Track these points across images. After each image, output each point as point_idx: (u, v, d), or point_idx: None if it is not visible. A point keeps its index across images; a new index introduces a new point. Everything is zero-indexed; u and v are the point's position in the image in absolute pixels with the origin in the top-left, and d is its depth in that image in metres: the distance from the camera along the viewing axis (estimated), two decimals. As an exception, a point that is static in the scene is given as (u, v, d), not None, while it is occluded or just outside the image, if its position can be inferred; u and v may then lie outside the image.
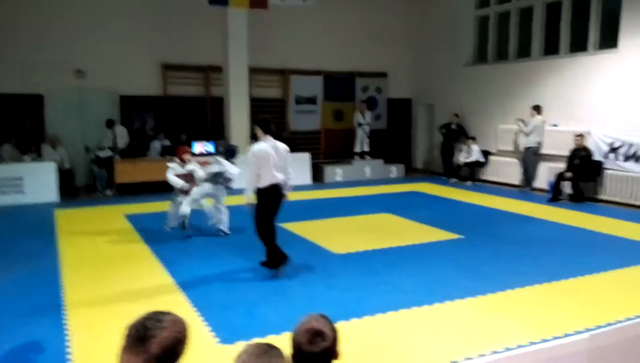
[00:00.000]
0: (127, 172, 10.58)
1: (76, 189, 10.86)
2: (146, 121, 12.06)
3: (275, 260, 5.77)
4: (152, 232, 7.59)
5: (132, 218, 8.48)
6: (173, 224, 7.61)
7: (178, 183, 7.44)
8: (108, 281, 5.51)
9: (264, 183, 5.64)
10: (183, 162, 7.63)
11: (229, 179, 7.35)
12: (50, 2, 10.90)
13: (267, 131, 5.77)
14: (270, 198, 5.69)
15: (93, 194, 10.71)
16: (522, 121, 11.32)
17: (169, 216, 7.70)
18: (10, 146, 10.46)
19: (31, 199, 9.68)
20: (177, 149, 8.04)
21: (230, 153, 7.58)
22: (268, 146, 5.71)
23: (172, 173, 7.53)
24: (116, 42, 11.46)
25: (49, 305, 4.82)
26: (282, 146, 5.89)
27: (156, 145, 11.51)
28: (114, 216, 8.70)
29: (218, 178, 7.30)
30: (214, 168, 7.35)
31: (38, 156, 10.54)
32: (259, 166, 5.62)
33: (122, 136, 11.18)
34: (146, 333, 1.42)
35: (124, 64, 11.54)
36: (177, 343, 1.47)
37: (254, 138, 5.99)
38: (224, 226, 7.46)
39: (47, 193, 9.82)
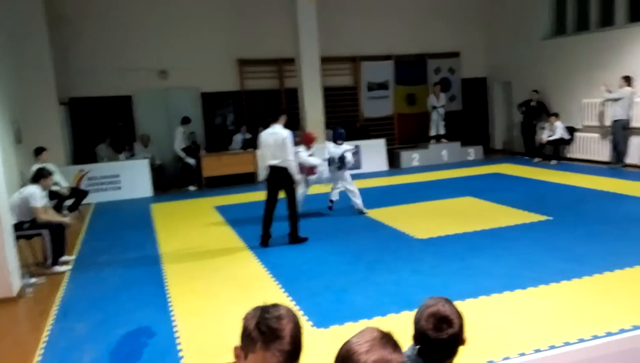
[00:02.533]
0: (212, 166, 11.10)
1: (167, 184, 11.55)
2: (226, 116, 12.56)
3: (262, 235, 6.62)
4: (241, 221, 7.93)
5: (222, 209, 8.92)
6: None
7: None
8: (205, 269, 5.86)
9: (265, 164, 6.59)
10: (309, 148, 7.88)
11: (342, 160, 7.74)
12: (132, 10, 11.54)
13: (274, 120, 6.49)
14: (268, 179, 6.60)
15: (182, 188, 11.34)
16: (606, 87, 10.68)
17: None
18: (105, 146, 11.28)
19: (128, 195, 10.44)
20: (303, 137, 8.20)
21: (338, 136, 7.95)
22: (267, 133, 6.48)
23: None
24: (194, 42, 11.95)
25: (154, 292, 5.20)
26: (280, 133, 6.40)
27: (238, 138, 11.96)
28: (204, 208, 9.18)
29: (332, 163, 7.72)
30: (325, 154, 7.77)
31: (131, 154, 11.30)
32: (261, 150, 6.67)
33: (178, 138, 11.27)
34: (277, 331, 1.45)
35: (203, 62, 12.03)
36: (300, 334, 1.50)
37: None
38: (359, 206, 7.84)
39: (142, 189, 10.55)
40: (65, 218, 6.78)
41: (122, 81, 11.54)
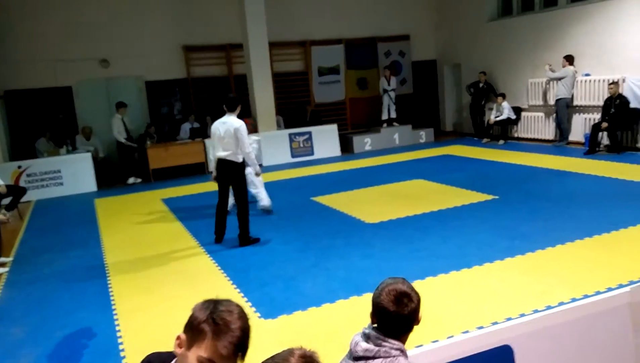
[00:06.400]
0: (159, 157, 10.75)
1: (112, 178, 11.13)
2: (173, 104, 12.20)
3: (215, 231, 6.31)
4: (188, 213, 7.76)
5: (169, 202, 8.68)
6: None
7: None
8: (150, 264, 5.68)
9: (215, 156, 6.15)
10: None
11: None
12: (69, -5, 11.03)
13: (230, 109, 6.04)
14: (217, 172, 6.16)
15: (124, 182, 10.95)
16: (550, 66, 10.98)
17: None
18: (45, 140, 10.76)
19: (70, 191, 10.00)
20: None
21: None
22: (218, 123, 6.06)
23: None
24: (137, 29, 11.53)
25: (96, 292, 5.01)
26: (231, 123, 5.94)
27: (186, 128, 11.65)
28: (151, 201, 8.91)
29: None
30: None
31: (73, 148, 10.82)
32: (212, 141, 6.18)
33: (115, 126, 10.66)
34: (230, 324, 1.43)
35: (147, 49, 11.64)
36: (249, 329, 1.50)
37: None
38: (261, 204, 7.23)
39: (85, 184, 10.12)
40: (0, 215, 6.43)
41: (61, 72, 11.02)
